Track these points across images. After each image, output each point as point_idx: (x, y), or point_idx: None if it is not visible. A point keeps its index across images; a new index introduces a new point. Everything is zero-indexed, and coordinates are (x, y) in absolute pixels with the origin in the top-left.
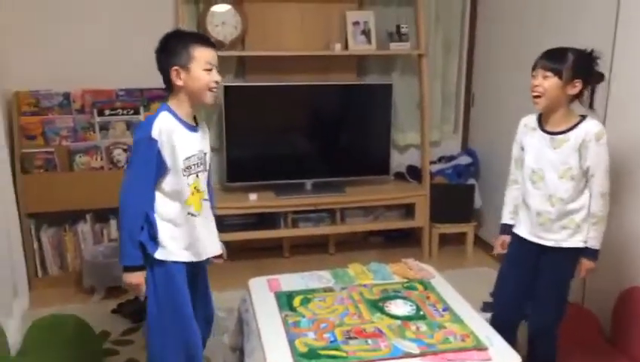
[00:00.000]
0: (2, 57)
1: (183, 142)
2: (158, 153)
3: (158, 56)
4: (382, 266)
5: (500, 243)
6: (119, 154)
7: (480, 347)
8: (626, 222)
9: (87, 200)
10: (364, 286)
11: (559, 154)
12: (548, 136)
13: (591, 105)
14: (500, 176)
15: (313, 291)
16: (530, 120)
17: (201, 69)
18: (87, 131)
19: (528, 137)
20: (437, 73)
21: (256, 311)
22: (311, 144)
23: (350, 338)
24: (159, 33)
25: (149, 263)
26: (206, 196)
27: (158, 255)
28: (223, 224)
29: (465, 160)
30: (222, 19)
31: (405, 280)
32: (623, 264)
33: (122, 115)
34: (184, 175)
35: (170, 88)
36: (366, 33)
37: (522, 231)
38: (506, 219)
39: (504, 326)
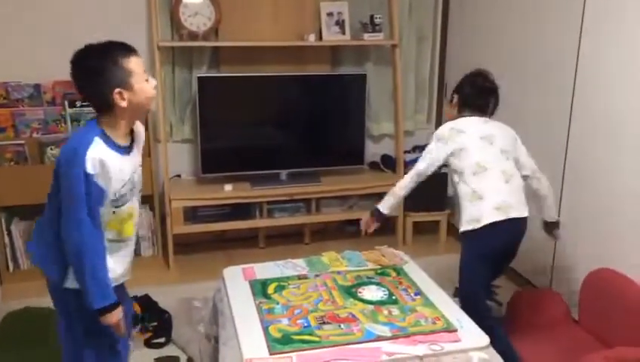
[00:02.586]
0: None
1: (116, 173)
2: (96, 185)
3: (89, 82)
4: (355, 253)
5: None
6: None
7: (450, 329)
8: (591, 206)
9: None
10: (338, 273)
11: None
12: None
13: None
14: None
15: (287, 279)
16: None
17: (143, 80)
18: (58, 123)
19: None
20: (410, 63)
21: (230, 300)
22: (286, 134)
23: (324, 323)
24: (131, 23)
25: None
26: (137, 218)
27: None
28: (198, 215)
29: None
30: (195, 9)
31: (378, 267)
32: (589, 246)
33: None
34: (113, 206)
35: (105, 110)
36: (340, 24)
37: None
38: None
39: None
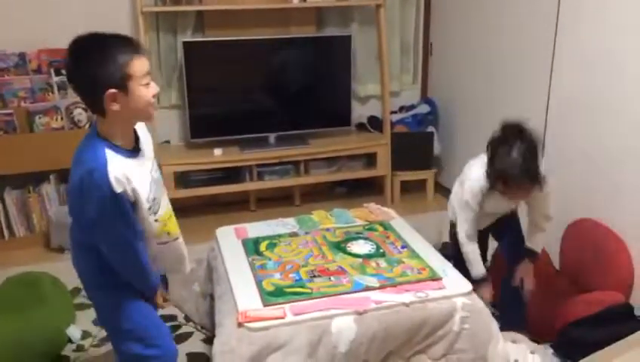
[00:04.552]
0: None
1: (139, 181)
2: (129, 203)
3: (81, 76)
4: (344, 211)
5: (491, 294)
6: (79, 114)
7: (435, 277)
8: (574, 159)
9: (49, 161)
10: (328, 229)
11: None
12: None
13: None
14: (458, 124)
15: (279, 236)
16: None
17: (141, 85)
18: (45, 92)
19: None
20: (395, 24)
21: (224, 257)
22: (273, 97)
23: (314, 276)
24: None
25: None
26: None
27: None
28: (189, 180)
29: (424, 108)
30: None
31: (366, 223)
32: (569, 197)
33: None
34: (152, 213)
35: (99, 113)
36: None
37: None
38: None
39: None
